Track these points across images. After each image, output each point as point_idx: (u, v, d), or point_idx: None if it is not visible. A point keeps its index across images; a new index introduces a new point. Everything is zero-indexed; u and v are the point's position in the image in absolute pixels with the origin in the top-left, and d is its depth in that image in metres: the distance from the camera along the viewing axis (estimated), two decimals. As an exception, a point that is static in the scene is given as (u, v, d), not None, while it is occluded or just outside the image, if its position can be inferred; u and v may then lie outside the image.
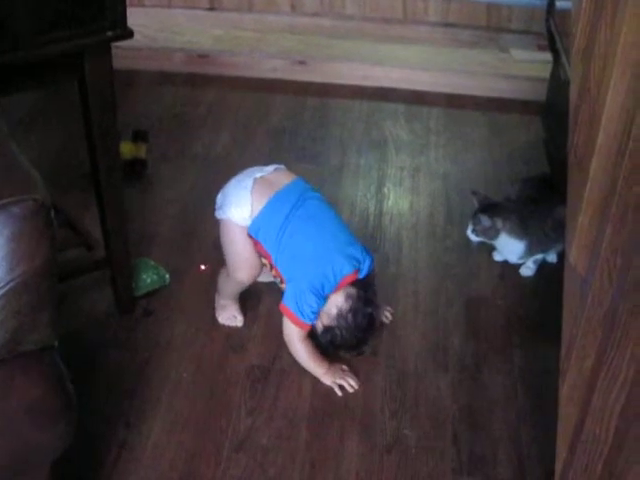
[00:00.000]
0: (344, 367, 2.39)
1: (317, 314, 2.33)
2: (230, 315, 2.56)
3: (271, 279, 2.54)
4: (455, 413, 2.31)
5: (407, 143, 3.52)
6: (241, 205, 2.39)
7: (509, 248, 2.76)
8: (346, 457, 2.17)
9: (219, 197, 2.48)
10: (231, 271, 2.47)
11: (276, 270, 2.39)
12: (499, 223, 2.71)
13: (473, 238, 2.78)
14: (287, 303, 2.34)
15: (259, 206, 2.37)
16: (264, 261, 2.44)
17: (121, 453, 2.13)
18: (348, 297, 2.31)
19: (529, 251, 2.75)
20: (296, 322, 2.33)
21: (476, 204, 2.79)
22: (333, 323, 2.32)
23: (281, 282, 2.41)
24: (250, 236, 2.40)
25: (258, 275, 2.48)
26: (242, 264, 2.44)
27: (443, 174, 3.32)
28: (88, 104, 2.16)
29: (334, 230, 2.40)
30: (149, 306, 2.58)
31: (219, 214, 2.45)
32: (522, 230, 2.72)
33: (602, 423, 1.35)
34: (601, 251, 1.42)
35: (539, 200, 2.78)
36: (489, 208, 2.75)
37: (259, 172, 2.46)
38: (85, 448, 2.06)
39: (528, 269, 2.81)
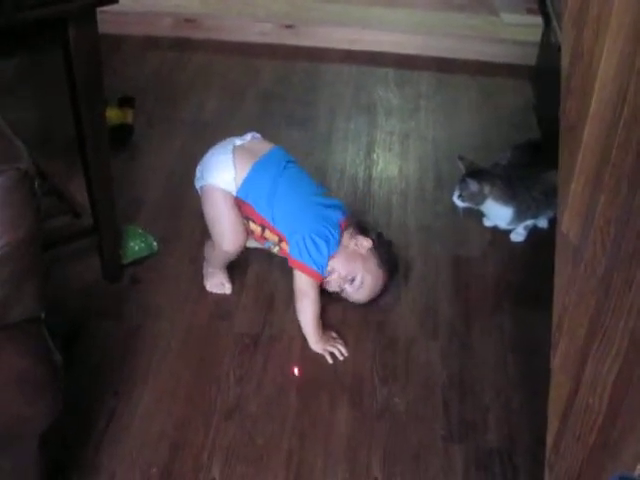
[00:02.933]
0: (334, 334, 2.38)
1: (326, 264, 2.36)
2: (218, 282, 2.54)
3: (259, 245, 2.53)
4: (445, 380, 2.31)
5: (396, 108, 3.49)
6: (223, 170, 2.40)
7: (497, 213, 2.75)
8: (336, 425, 2.16)
9: (198, 168, 2.49)
10: (217, 242, 2.45)
11: (273, 230, 2.40)
12: (486, 188, 2.69)
13: (459, 204, 2.76)
14: (296, 256, 2.35)
15: (243, 171, 2.39)
16: (253, 226, 2.43)
17: (110, 422, 2.12)
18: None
19: (517, 217, 2.73)
20: (309, 272, 2.34)
21: (463, 169, 2.78)
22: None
23: (280, 241, 2.41)
24: (238, 200, 2.39)
25: (244, 243, 2.46)
26: (227, 232, 2.42)
27: (433, 139, 3.30)
28: (73, 70, 2.13)
29: (316, 190, 2.49)
30: (137, 274, 2.56)
31: (200, 182, 2.45)
32: (509, 196, 2.70)
33: (595, 393, 1.34)
34: (594, 220, 1.40)
35: (529, 165, 2.76)
36: (476, 173, 2.73)
37: (238, 140, 2.48)
38: (74, 418, 2.04)
39: (518, 235, 2.80)
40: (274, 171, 2.40)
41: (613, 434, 1.28)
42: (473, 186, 2.69)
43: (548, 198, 2.64)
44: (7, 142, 1.44)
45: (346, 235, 2.40)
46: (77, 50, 2.09)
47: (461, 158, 2.81)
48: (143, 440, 2.09)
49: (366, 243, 2.39)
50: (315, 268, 2.34)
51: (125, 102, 3.11)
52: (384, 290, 2.49)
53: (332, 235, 2.36)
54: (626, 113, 1.29)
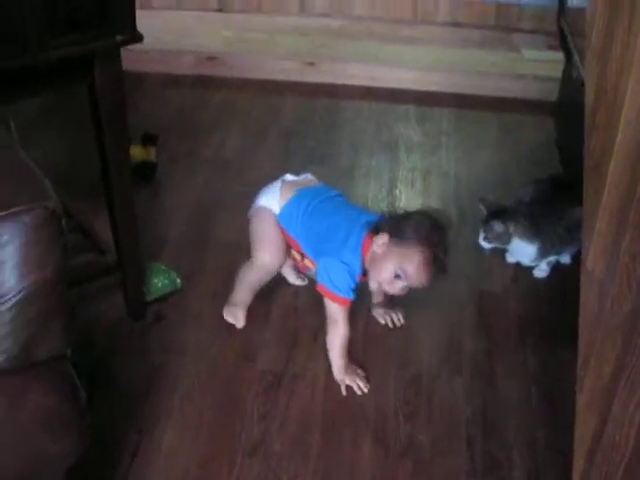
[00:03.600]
0: (359, 370, 2.38)
1: (354, 286, 2.33)
2: (234, 312, 2.55)
3: (299, 282, 2.61)
4: (469, 416, 2.30)
5: (418, 144, 3.50)
6: (271, 194, 2.47)
7: (521, 251, 2.74)
8: (360, 463, 2.16)
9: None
10: (256, 253, 2.48)
11: (307, 257, 2.42)
12: (511, 227, 2.69)
13: (486, 245, 2.76)
14: (321, 280, 2.35)
15: (285, 198, 2.45)
16: (294, 253, 2.48)
17: (134, 459, 2.12)
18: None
19: (542, 253, 2.73)
20: (334, 298, 2.33)
21: (484, 211, 2.77)
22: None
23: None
24: (279, 226, 2.44)
25: (282, 263, 2.50)
26: (268, 244, 2.46)
27: (454, 175, 3.30)
28: (98, 108, 2.15)
29: (350, 209, 2.47)
30: (161, 311, 2.57)
31: (250, 212, 2.51)
32: (534, 232, 2.70)
33: (622, 430, 1.33)
34: (620, 257, 1.40)
35: (551, 201, 2.76)
36: (499, 213, 2.73)
37: (290, 176, 2.54)
38: (98, 455, 2.04)
39: (541, 271, 2.79)
40: (311, 199, 2.43)
41: (639, 472, 1.27)
42: (498, 227, 2.69)
43: (571, 234, 2.63)
44: (35, 180, 1.46)
45: (372, 246, 2.33)
46: (102, 88, 2.11)
47: (482, 200, 2.81)
48: (167, 477, 2.09)
49: (381, 240, 2.29)
50: (339, 294, 2.32)
51: (148, 140, 3.13)
52: (443, 255, 2.31)
53: (354, 257, 2.32)
54: (651, 150, 1.29)
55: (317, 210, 2.41)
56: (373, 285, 2.36)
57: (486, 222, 2.74)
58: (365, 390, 2.34)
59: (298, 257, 2.49)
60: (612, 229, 1.54)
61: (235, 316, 2.54)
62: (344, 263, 2.32)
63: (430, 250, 2.26)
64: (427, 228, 2.29)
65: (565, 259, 2.82)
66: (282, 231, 2.45)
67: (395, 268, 2.27)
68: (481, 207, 2.79)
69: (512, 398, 2.35)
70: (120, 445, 2.15)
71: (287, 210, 2.43)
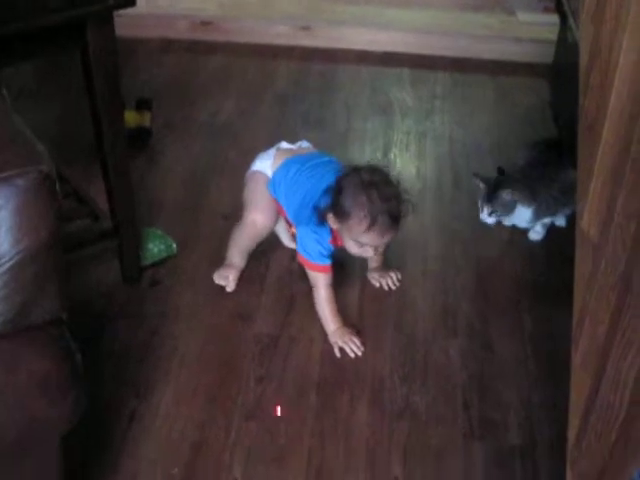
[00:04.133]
0: (354, 334, 2.38)
1: (328, 252, 2.35)
2: (225, 274, 2.55)
3: (294, 245, 2.58)
4: (465, 378, 2.30)
5: (413, 108, 3.50)
6: (264, 160, 2.49)
7: (518, 214, 2.74)
8: (356, 425, 2.16)
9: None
10: (247, 214, 2.49)
11: (292, 225, 2.46)
12: (511, 195, 2.67)
13: (490, 220, 2.74)
14: (298, 249, 2.39)
15: (277, 164, 2.46)
16: (285, 222, 2.52)
17: (131, 424, 2.13)
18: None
19: (537, 216, 2.72)
20: (310, 266, 2.36)
21: (482, 185, 2.74)
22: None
23: None
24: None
25: (272, 224, 2.51)
26: (259, 204, 2.47)
27: (449, 138, 3.30)
28: (91, 73, 2.14)
29: (323, 170, 2.42)
30: (156, 276, 2.57)
31: (245, 176, 2.53)
32: (530, 195, 2.69)
33: (617, 390, 1.34)
34: (614, 216, 1.40)
35: (546, 164, 2.76)
36: (502, 184, 2.71)
37: (284, 144, 2.54)
38: (95, 419, 2.04)
39: (537, 233, 2.79)
40: (301, 166, 2.43)
41: (634, 432, 1.27)
42: (507, 195, 2.67)
43: (566, 196, 2.63)
44: (29, 145, 1.45)
45: None
46: (95, 53, 2.10)
47: (477, 175, 2.78)
48: (164, 441, 2.10)
49: (330, 222, 2.29)
50: (313, 261, 2.35)
51: (142, 105, 3.12)
52: (392, 205, 2.23)
53: (322, 225, 2.32)
54: (645, 108, 1.29)
55: (303, 176, 2.41)
56: (358, 256, 2.39)
57: (490, 195, 2.69)
58: (359, 353, 2.35)
59: (287, 225, 2.52)
60: (607, 189, 1.54)
61: (226, 279, 2.55)
62: (313, 232, 2.33)
63: (370, 214, 2.20)
64: (357, 193, 2.23)
65: (560, 221, 2.82)
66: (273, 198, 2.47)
67: (351, 239, 2.28)
68: (478, 183, 2.75)
69: (508, 359, 2.36)
70: (117, 409, 2.16)
71: (276, 177, 2.44)
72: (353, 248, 2.31)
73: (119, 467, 2.03)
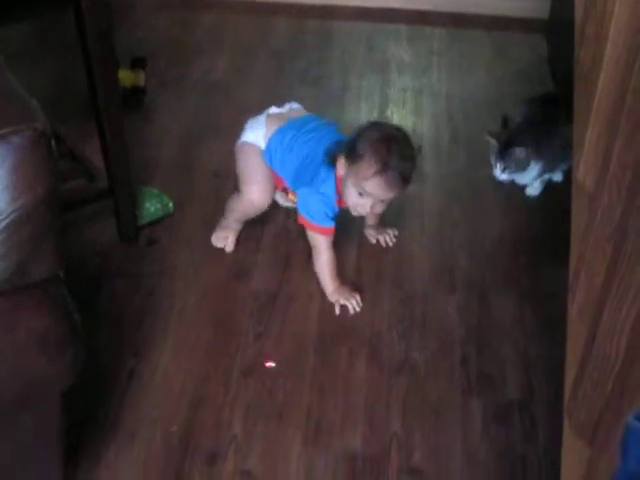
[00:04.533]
0: (352, 291, 2.39)
1: (332, 214, 2.34)
2: (223, 236, 2.55)
3: (289, 204, 2.60)
4: (463, 334, 2.31)
5: (410, 64, 3.48)
6: (256, 130, 2.44)
7: (529, 170, 2.71)
8: (354, 380, 2.18)
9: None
10: (244, 189, 2.47)
11: (290, 191, 2.46)
12: (525, 152, 2.65)
13: (504, 177, 2.72)
14: (300, 211, 2.36)
15: (270, 132, 2.42)
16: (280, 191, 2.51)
17: (130, 382, 2.14)
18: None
19: (542, 171, 2.71)
20: (313, 228, 2.35)
21: (495, 142, 2.72)
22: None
23: None
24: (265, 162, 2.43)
25: (269, 200, 2.48)
26: (256, 180, 2.44)
27: (446, 95, 3.29)
28: (85, 32, 2.13)
29: (335, 136, 2.40)
30: (153, 235, 2.57)
31: (236, 147, 2.49)
32: (537, 152, 2.67)
33: (613, 340, 1.34)
34: (610, 166, 1.40)
35: (546, 120, 2.74)
36: (515, 139, 2.68)
37: (275, 109, 2.51)
38: (94, 378, 2.06)
39: (534, 189, 2.79)
40: (296, 132, 2.40)
41: (630, 380, 1.28)
42: (520, 153, 2.64)
43: (565, 151, 2.62)
44: (23, 103, 1.44)
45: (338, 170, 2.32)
46: (88, 12, 2.09)
47: (490, 133, 2.74)
48: (163, 398, 2.11)
49: (339, 166, 2.28)
50: (317, 223, 2.34)
51: (136, 63, 3.10)
52: (400, 162, 2.21)
53: (328, 185, 2.32)
54: (640, 57, 1.28)
55: (300, 141, 2.39)
56: (352, 212, 2.36)
57: (503, 151, 2.67)
58: (358, 309, 2.36)
59: (285, 193, 2.52)
60: (603, 138, 1.54)
61: (225, 239, 2.55)
62: (319, 193, 2.32)
63: (383, 160, 2.19)
64: (376, 139, 2.22)
65: (557, 177, 2.81)
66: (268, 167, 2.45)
67: (356, 188, 2.26)
68: (490, 140, 2.73)
69: (505, 314, 2.37)
70: (116, 368, 2.17)
71: (271, 145, 2.42)
72: (352, 197, 2.27)
73: (118, 425, 2.04)
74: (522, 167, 2.69)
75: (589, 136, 1.62)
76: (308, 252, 2.44)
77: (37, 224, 1.44)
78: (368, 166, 2.19)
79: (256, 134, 2.44)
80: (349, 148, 2.24)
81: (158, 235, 2.57)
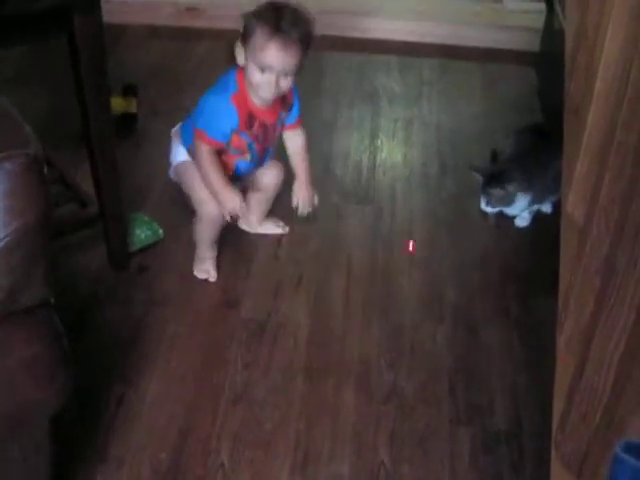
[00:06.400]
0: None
1: (227, 126, 2.33)
2: (204, 269, 2.55)
3: (279, 230, 2.67)
4: (451, 364, 2.32)
5: (400, 95, 3.50)
6: (178, 148, 2.50)
7: (517, 204, 2.73)
8: (342, 410, 2.18)
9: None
10: (200, 209, 2.46)
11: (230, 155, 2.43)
12: (510, 188, 2.67)
13: (490, 210, 2.74)
14: (195, 124, 2.37)
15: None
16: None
17: (119, 408, 2.13)
18: None
19: (531, 203, 2.73)
20: (200, 137, 2.34)
21: (479, 177, 2.74)
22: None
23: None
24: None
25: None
26: (205, 193, 2.40)
27: (436, 125, 3.31)
28: (78, 60, 2.14)
29: None
30: (144, 262, 2.58)
31: (172, 173, 2.54)
32: (527, 185, 2.68)
33: (601, 372, 1.35)
34: (599, 199, 1.41)
35: (536, 152, 2.76)
36: (496, 177, 2.70)
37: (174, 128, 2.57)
38: (83, 404, 2.06)
39: (523, 220, 2.80)
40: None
41: (618, 413, 1.28)
42: (497, 192, 2.67)
43: (555, 184, 2.64)
44: (17, 128, 1.45)
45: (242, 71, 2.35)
46: (82, 40, 2.11)
47: (473, 167, 2.78)
48: (152, 426, 2.11)
49: (238, 56, 2.32)
50: (208, 134, 2.33)
51: (128, 90, 3.12)
52: (291, 26, 2.25)
53: (227, 88, 2.35)
54: (630, 91, 1.29)
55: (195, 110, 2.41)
56: (261, 94, 2.32)
57: (487, 186, 2.70)
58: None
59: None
60: (592, 172, 1.55)
61: (206, 271, 2.55)
62: (213, 95, 2.35)
63: (274, 25, 2.22)
64: (265, 11, 2.28)
65: (547, 208, 2.83)
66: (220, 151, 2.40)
67: (256, 64, 2.25)
68: (475, 174, 2.76)
69: (493, 345, 2.37)
70: (105, 394, 2.16)
71: (183, 133, 2.47)
72: (255, 76, 2.26)
73: (107, 452, 2.03)
74: (507, 202, 2.71)
75: (579, 169, 1.64)
76: (297, 279, 2.45)
77: (29, 249, 1.44)
78: (261, 34, 2.22)
79: (181, 150, 2.47)
80: (243, 33, 2.28)
81: (148, 262, 2.58)
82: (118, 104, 3.03)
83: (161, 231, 2.64)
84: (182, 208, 2.77)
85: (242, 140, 2.38)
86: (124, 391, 2.18)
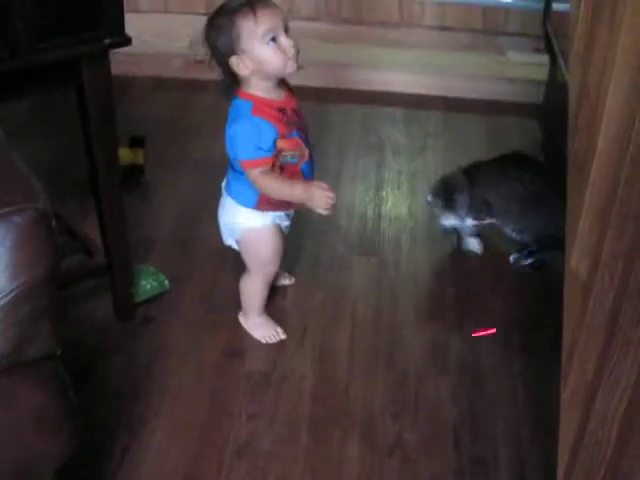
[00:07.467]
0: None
1: (264, 142, 2.23)
2: (272, 332, 2.53)
3: (286, 282, 2.70)
4: (455, 416, 2.31)
5: (405, 147, 3.52)
6: (231, 206, 2.42)
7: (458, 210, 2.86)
8: (347, 462, 2.17)
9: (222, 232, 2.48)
10: (265, 269, 2.44)
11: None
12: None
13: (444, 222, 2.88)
14: (235, 154, 2.31)
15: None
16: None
17: (124, 459, 2.13)
18: None
19: (473, 214, 2.85)
20: (246, 165, 2.27)
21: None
22: None
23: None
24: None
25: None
26: (276, 258, 2.42)
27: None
28: (87, 111, 2.16)
29: None
30: (149, 312, 2.58)
31: (230, 240, 2.45)
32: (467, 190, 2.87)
33: (604, 427, 1.35)
34: (602, 255, 1.42)
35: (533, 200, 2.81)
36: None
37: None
38: (88, 455, 2.04)
39: (474, 244, 2.93)
40: None
41: (622, 468, 1.29)
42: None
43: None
44: (25, 182, 1.47)
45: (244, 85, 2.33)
46: (90, 91, 2.13)
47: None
48: (156, 477, 2.10)
49: (236, 66, 2.28)
50: (248, 157, 2.25)
51: (135, 142, 3.14)
52: None
53: (244, 109, 2.30)
54: (632, 150, 1.31)
55: None
56: (286, 69, 2.26)
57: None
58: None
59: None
60: (595, 229, 1.56)
61: (274, 334, 2.53)
62: (239, 122, 2.28)
63: (246, 5, 2.18)
64: (227, 11, 2.22)
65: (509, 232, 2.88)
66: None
67: (258, 42, 2.19)
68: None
69: (498, 398, 2.37)
70: (109, 445, 2.16)
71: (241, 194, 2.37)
72: (269, 54, 2.20)
73: (111, 503, 2.03)
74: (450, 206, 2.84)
75: (582, 225, 1.65)
76: (302, 331, 2.46)
77: (36, 302, 1.46)
78: (244, 19, 2.17)
79: (249, 215, 2.37)
80: (224, 47, 2.27)
81: (154, 313, 2.58)
82: (125, 155, 3.05)
83: (167, 282, 2.65)
84: (187, 259, 2.79)
85: (291, 139, 2.30)
86: (129, 442, 2.18)
